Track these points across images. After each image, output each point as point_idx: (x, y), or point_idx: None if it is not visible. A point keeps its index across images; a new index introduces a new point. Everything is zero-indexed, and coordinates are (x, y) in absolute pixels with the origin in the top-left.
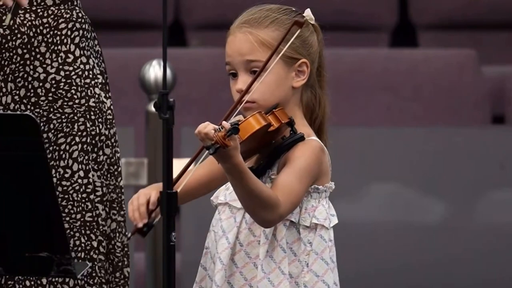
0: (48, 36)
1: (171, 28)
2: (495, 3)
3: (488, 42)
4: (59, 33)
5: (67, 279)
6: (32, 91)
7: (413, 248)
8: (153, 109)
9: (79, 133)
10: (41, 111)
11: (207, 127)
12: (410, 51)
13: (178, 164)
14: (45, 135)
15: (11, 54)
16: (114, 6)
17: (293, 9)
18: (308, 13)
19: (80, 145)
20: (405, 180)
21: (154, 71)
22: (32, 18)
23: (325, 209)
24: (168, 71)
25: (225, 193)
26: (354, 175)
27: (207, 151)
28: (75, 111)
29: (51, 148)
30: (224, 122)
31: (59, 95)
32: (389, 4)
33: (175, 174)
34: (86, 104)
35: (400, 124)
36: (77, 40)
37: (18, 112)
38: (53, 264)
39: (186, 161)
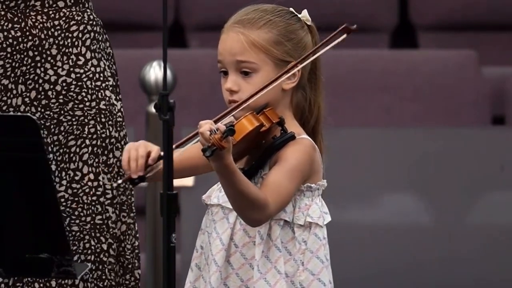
0: (60, 38)
1: (171, 29)
2: (495, 4)
3: (488, 43)
4: (70, 35)
5: (76, 282)
6: (42, 93)
7: (413, 249)
8: (153, 110)
9: (89, 136)
10: (51, 113)
11: (204, 126)
12: (410, 52)
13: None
14: (55, 138)
15: (22, 56)
16: (114, 7)
17: (290, 9)
18: (304, 13)
19: (90, 148)
20: (404, 181)
21: (154, 72)
22: (44, 20)
23: (319, 207)
24: (168, 72)
25: (218, 195)
26: (354, 176)
27: (203, 154)
28: (86, 113)
29: (61, 151)
30: (219, 124)
31: (69, 97)
32: (389, 5)
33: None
34: (97, 107)
35: (400, 125)
36: (88, 42)
37: (19, 113)
38: (53, 265)
39: None
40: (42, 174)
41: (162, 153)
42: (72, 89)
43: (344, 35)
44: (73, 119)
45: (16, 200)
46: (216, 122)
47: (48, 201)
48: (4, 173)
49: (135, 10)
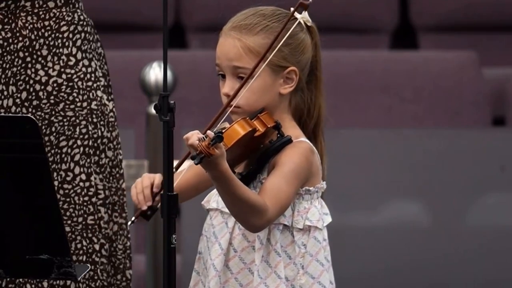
0: (50, 39)
1: (171, 30)
2: (496, 5)
3: (489, 44)
4: (60, 36)
5: (68, 282)
6: (33, 94)
7: (414, 250)
8: (153, 111)
9: (81, 136)
10: (42, 114)
11: (192, 137)
12: (411, 53)
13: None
14: (46, 138)
15: (13, 57)
16: (114, 8)
17: (291, 11)
18: (304, 14)
19: (81, 148)
20: (405, 182)
21: (155, 73)
22: (34, 21)
23: (318, 210)
24: (169, 73)
25: (217, 199)
26: (354, 176)
27: (192, 162)
28: (77, 114)
29: (52, 151)
30: (208, 131)
31: (60, 98)
32: (389, 6)
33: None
34: (88, 107)
35: (400, 126)
36: (79, 43)
37: (19, 114)
38: (53, 266)
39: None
40: (42, 175)
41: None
42: (63, 90)
43: (305, 12)
44: (65, 120)
45: (16, 201)
46: (210, 128)
47: (48, 202)
48: (4, 174)
49: (135, 11)
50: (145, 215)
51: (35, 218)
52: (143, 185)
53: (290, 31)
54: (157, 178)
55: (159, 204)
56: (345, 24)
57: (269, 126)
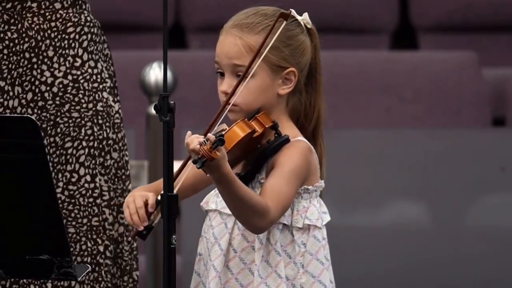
0: (56, 40)
1: (171, 30)
2: (496, 5)
3: (489, 44)
4: (67, 37)
5: (72, 283)
6: (39, 95)
7: (414, 250)
8: (153, 111)
9: (86, 138)
10: (48, 115)
11: (193, 142)
12: (411, 54)
13: (178, 166)
14: (52, 139)
15: (19, 57)
16: (114, 8)
17: (291, 12)
18: (305, 16)
19: (87, 150)
20: (405, 182)
21: (155, 73)
22: (40, 22)
23: (317, 208)
24: (169, 73)
25: (216, 200)
26: (354, 177)
27: (194, 165)
28: (83, 115)
29: (58, 152)
30: (209, 135)
31: (66, 99)
32: (389, 6)
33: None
34: (94, 109)
35: (400, 126)
36: (85, 44)
37: (20, 115)
38: (53, 266)
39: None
40: (42, 175)
41: (159, 197)
42: (69, 91)
43: (284, 22)
44: (70, 121)
45: (16, 201)
46: (210, 128)
47: (48, 202)
48: (4, 174)
49: (135, 11)
50: (142, 235)
51: (35, 218)
52: (136, 205)
53: (280, 29)
54: (151, 197)
55: (154, 222)
56: (345, 25)
57: (266, 126)
